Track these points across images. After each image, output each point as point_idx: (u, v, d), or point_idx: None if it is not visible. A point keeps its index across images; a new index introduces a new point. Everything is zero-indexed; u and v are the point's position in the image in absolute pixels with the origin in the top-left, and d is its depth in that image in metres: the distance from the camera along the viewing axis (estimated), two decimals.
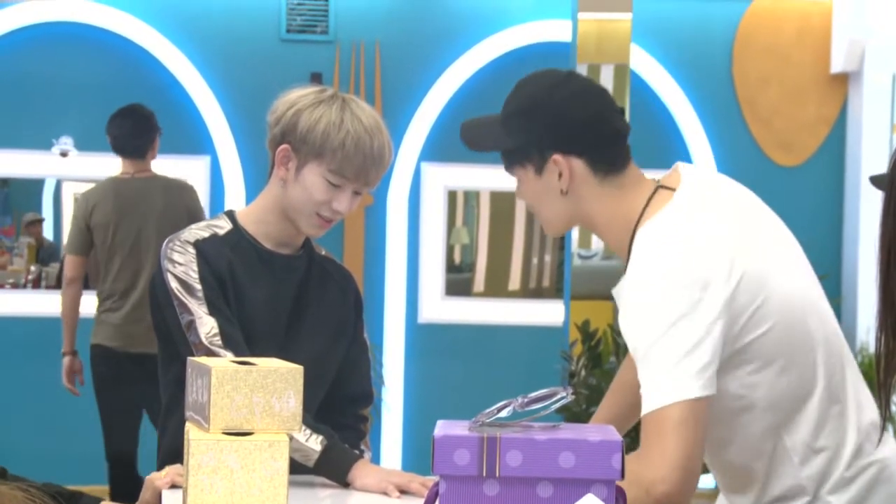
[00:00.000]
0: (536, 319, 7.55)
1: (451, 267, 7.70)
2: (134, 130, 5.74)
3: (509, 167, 2.46)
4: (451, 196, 7.65)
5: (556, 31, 7.42)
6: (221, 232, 2.74)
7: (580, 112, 2.37)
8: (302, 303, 2.78)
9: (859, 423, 2.34)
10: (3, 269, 7.52)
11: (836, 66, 7.65)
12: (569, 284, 6.71)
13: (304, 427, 2.58)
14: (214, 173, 7.38)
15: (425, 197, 7.58)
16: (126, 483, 5.65)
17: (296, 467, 2.38)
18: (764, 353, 2.26)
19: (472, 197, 7.71)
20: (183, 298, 2.63)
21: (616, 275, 2.46)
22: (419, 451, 7.27)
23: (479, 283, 7.77)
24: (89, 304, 5.78)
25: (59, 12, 7.28)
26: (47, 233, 7.66)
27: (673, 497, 2.09)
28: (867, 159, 7.48)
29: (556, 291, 7.52)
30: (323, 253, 2.89)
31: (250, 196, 7.12)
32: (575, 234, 6.62)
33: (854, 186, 7.65)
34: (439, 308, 7.62)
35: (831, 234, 7.71)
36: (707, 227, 2.28)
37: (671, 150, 7.63)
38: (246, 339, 2.64)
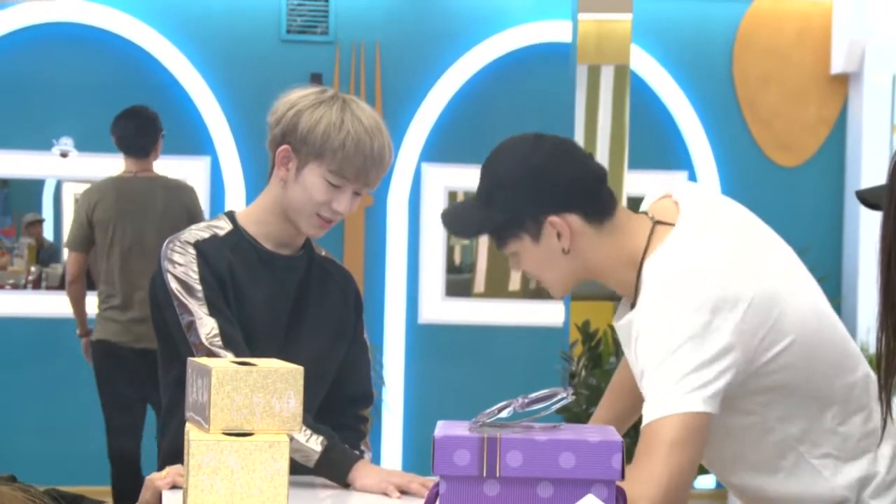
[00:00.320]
0: (537, 320, 7.55)
1: (451, 267, 7.71)
2: (138, 131, 5.80)
3: (503, 243, 2.40)
4: (452, 196, 7.65)
5: (556, 31, 7.43)
6: (221, 232, 2.74)
7: (562, 168, 2.34)
8: (302, 303, 2.78)
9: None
10: (3, 270, 7.52)
11: (837, 66, 7.66)
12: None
13: (304, 427, 2.58)
14: (215, 174, 7.38)
15: (426, 197, 7.59)
16: (128, 483, 5.66)
17: (296, 468, 2.38)
18: (784, 368, 2.26)
19: (472, 197, 7.70)
20: (183, 299, 2.63)
21: None
22: (419, 451, 7.27)
23: (480, 283, 7.77)
24: (91, 302, 5.87)
25: (60, 13, 7.28)
26: (47, 233, 7.66)
27: None
28: (867, 160, 7.48)
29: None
30: (323, 253, 2.89)
31: (250, 197, 7.12)
32: None
33: (854, 187, 7.65)
34: (439, 308, 7.62)
35: (831, 235, 7.71)
36: (713, 251, 2.27)
37: (671, 150, 7.63)
38: (246, 339, 2.64)
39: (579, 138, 6.52)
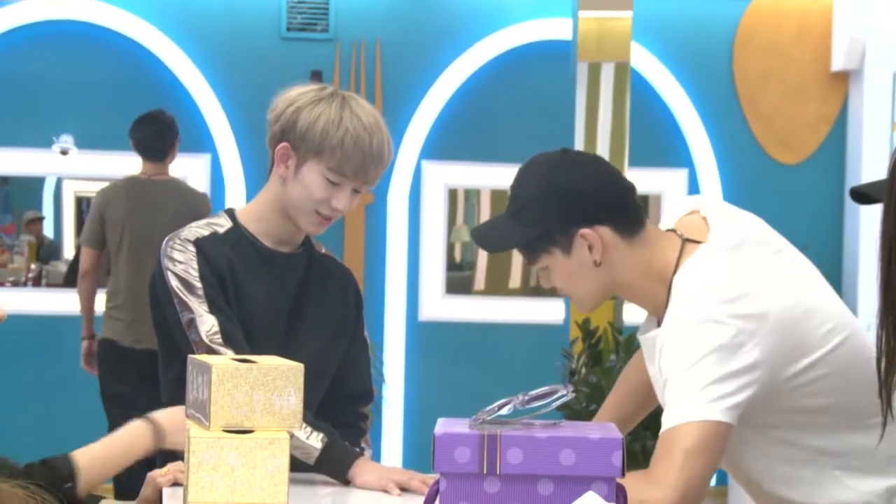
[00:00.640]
0: (537, 317, 7.55)
1: (451, 265, 7.71)
2: (155, 135, 5.94)
3: (534, 257, 2.41)
4: (452, 194, 7.65)
5: (556, 29, 7.42)
6: (221, 230, 2.74)
7: (591, 181, 2.36)
8: (302, 301, 2.77)
9: None
10: (3, 268, 7.53)
11: (837, 64, 7.65)
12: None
13: (304, 425, 2.58)
14: (215, 171, 7.38)
15: (426, 195, 7.58)
16: (129, 479, 5.70)
17: (296, 465, 2.38)
18: (815, 382, 2.26)
19: (472, 195, 7.71)
20: (183, 296, 2.63)
21: None
22: (420, 448, 7.27)
23: (480, 281, 7.77)
24: (100, 300, 5.96)
25: (60, 10, 7.28)
26: (48, 231, 7.66)
27: None
28: (868, 157, 7.48)
29: (555, 290, 7.51)
30: (323, 251, 2.89)
31: (251, 194, 7.12)
32: None
33: (854, 184, 7.64)
34: (440, 306, 7.62)
35: (832, 232, 7.71)
36: (741, 267, 2.28)
37: (672, 148, 7.63)
38: (246, 337, 2.64)
39: (579, 136, 6.52)
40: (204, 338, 2.59)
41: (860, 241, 7.51)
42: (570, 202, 2.34)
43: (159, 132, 5.94)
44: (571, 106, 6.68)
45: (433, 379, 7.50)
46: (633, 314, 6.56)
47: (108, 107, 7.32)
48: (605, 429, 1.84)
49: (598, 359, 6.19)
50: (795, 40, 7.73)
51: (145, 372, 5.38)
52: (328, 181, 2.67)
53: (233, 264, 2.69)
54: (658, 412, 2.24)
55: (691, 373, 2.16)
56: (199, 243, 2.69)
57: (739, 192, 7.46)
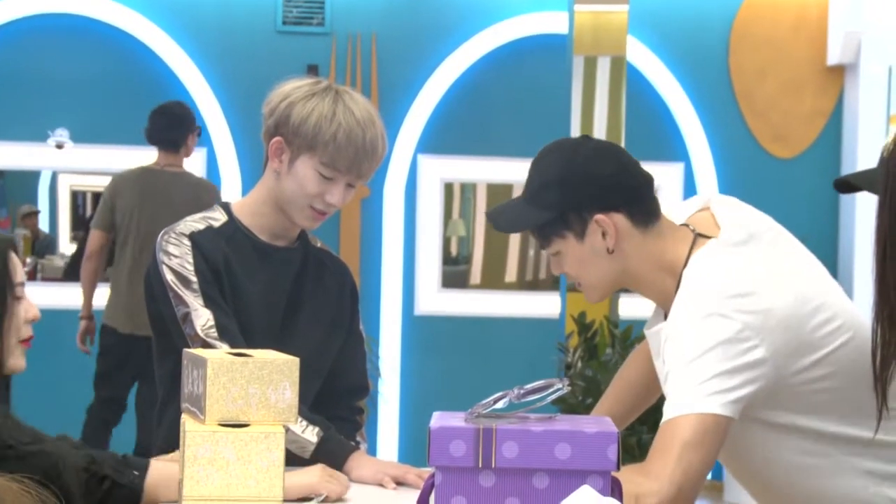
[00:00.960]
0: (533, 311, 7.56)
1: (447, 259, 7.71)
2: (166, 126, 6.03)
3: (546, 241, 2.40)
4: (448, 188, 7.65)
5: (552, 22, 7.42)
6: (217, 224, 2.73)
7: (609, 167, 2.36)
8: (298, 295, 2.77)
9: None
10: None
11: (833, 58, 7.66)
12: (564, 277, 6.70)
13: (300, 418, 2.57)
14: (211, 165, 7.38)
15: (422, 189, 7.58)
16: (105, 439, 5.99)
17: (292, 459, 2.38)
18: (823, 378, 2.25)
19: (468, 189, 7.71)
20: (178, 290, 2.63)
21: None
22: (415, 442, 7.28)
23: (476, 275, 7.78)
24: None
25: (55, 4, 7.27)
26: (43, 225, 7.66)
27: None
28: (863, 151, 7.48)
29: (552, 283, 7.53)
30: (318, 245, 2.89)
31: (247, 188, 7.12)
32: None
33: None
34: (435, 300, 7.62)
35: (827, 226, 7.72)
36: (750, 263, 2.28)
37: (667, 142, 7.63)
38: (242, 331, 2.64)
39: (575, 130, 6.52)
40: (199, 332, 2.59)
41: (855, 234, 7.51)
42: (587, 187, 2.34)
43: (172, 124, 6.03)
44: (567, 100, 6.68)
45: (429, 373, 7.50)
46: (629, 308, 6.58)
47: (104, 101, 7.32)
48: (600, 422, 1.84)
49: (594, 353, 6.19)
50: (791, 34, 7.73)
51: (143, 359, 5.50)
52: (322, 176, 2.66)
53: (228, 258, 2.69)
54: (655, 408, 2.24)
55: (694, 366, 2.16)
56: (194, 237, 2.68)
57: (735, 186, 7.47)
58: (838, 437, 2.30)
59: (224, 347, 2.54)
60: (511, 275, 7.76)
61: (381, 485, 2.55)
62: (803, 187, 7.73)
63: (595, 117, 6.59)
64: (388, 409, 7.47)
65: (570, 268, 2.41)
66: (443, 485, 1.79)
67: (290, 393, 1.87)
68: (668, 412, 2.16)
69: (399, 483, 2.55)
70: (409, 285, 7.58)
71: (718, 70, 7.72)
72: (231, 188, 7.30)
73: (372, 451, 6.99)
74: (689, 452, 2.11)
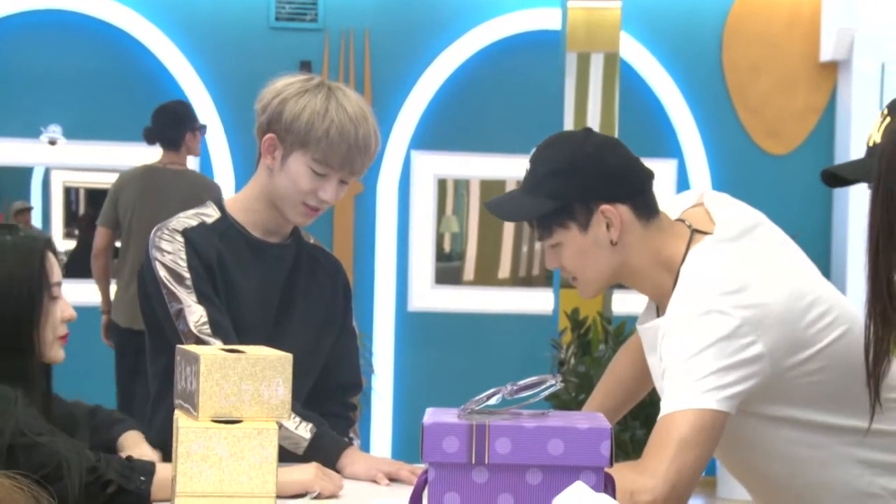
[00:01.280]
0: (526, 308, 7.56)
1: (440, 255, 7.70)
2: (164, 124, 6.10)
3: (548, 232, 2.38)
4: (441, 184, 7.65)
5: (545, 19, 7.42)
6: (209, 220, 2.73)
7: (615, 159, 2.36)
8: (291, 291, 2.77)
9: None
10: None
11: (826, 54, 7.66)
12: (558, 273, 6.70)
13: (293, 415, 2.58)
14: (204, 162, 7.37)
15: (415, 185, 7.58)
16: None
17: (285, 455, 2.38)
18: (817, 372, 2.26)
19: (461, 185, 7.71)
20: (171, 287, 2.63)
21: None
22: (409, 438, 7.28)
23: (469, 271, 7.78)
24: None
25: (47, 0, 7.26)
26: (36, 221, 7.64)
27: None
28: (856, 147, 7.49)
29: (545, 280, 7.53)
30: (311, 241, 2.88)
31: (240, 185, 7.11)
32: None
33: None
34: (429, 296, 7.62)
35: (820, 223, 7.72)
36: (747, 259, 2.29)
37: (661, 138, 7.63)
38: (235, 327, 2.64)
39: (569, 126, 6.51)
40: (192, 328, 2.59)
41: (848, 231, 7.52)
42: (594, 176, 2.34)
43: (170, 122, 6.09)
44: (560, 96, 6.68)
45: (422, 369, 7.50)
46: (622, 305, 6.58)
47: (97, 97, 7.31)
48: (593, 418, 1.84)
49: (587, 349, 6.19)
50: (784, 31, 7.73)
51: (139, 354, 5.55)
52: (314, 172, 2.66)
53: (221, 254, 2.69)
54: (648, 403, 2.23)
55: (692, 363, 2.16)
56: (187, 233, 2.68)
57: (728, 182, 7.47)
58: (833, 427, 2.30)
59: (217, 344, 2.54)
60: (504, 271, 7.76)
61: (374, 481, 2.55)
62: (796, 183, 7.73)
63: (588, 114, 6.59)
64: (382, 405, 7.47)
65: (569, 260, 2.40)
66: (436, 481, 1.79)
67: (283, 389, 1.87)
68: (666, 408, 2.16)
69: (392, 479, 2.55)
70: (403, 281, 7.58)
71: (711, 66, 7.72)
72: (224, 185, 7.28)
73: (365, 447, 6.99)
74: (684, 450, 2.11)
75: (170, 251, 2.66)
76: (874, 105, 7.48)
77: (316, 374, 2.81)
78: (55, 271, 2.48)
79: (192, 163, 7.30)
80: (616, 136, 6.52)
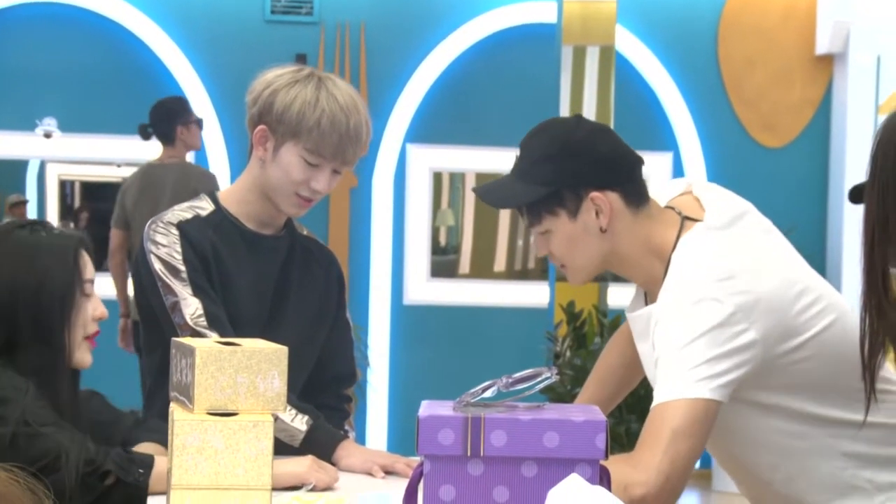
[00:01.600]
0: (522, 301, 7.56)
1: (436, 248, 7.70)
2: (157, 118, 6.15)
3: (537, 219, 2.37)
4: (437, 178, 7.64)
5: (541, 12, 7.42)
6: (204, 213, 2.73)
7: (605, 146, 2.35)
8: (285, 283, 2.77)
9: None
10: None
11: (821, 47, 7.66)
12: (554, 266, 6.70)
13: (289, 407, 2.58)
14: (199, 155, 7.37)
15: (410, 178, 7.58)
16: None
17: (281, 448, 2.38)
18: (807, 360, 2.26)
19: (457, 178, 7.71)
20: (167, 280, 2.63)
21: None
22: (404, 431, 7.28)
23: (465, 264, 7.78)
24: None
25: None
26: (31, 214, 7.64)
27: (648, 503, 2.08)
28: (852, 140, 7.49)
29: (541, 273, 7.53)
30: (304, 233, 2.88)
31: (236, 177, 7.10)
32: None
33: (839, 167, 7.66)
34: (424, 290, 7.62)
35: (816, 215, 7.73)
36: (738, 246, 2.28)
37: (656, 131, 7.64)
38: (230, 320, 2.64)
39: None
40: (188, 321, 2.59)
41: (844, 224, 7.53)
42: (584, 163, 2.33)
43: (162, 117, 6.13)
44: (556, 89, 6.68)
45: (418, 362, 7.50)
46: (617, 297, 6.58)
47: (92, 90, 7.30)
48: (588, 411, 1.84)
49: (583, 342, 6.20)
50: (780, 24, 7.73)
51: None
52: (306, 163, 2.66)
53: (216, 247, 2.69)
54: (644, 396, 2.23)
55: (685, 352, 2.15)
56: (181, 226, 2.68)
57: (724, 175, 7.47)
58: (820, 418, 2.30)
59: (213, 336, 2.54)
60: (500, 264, 7.76)
61: (369, 474, 2.55)
62: (792, 176, 7.74)
63: (584, 107, 6.59)
64: (377, 398, 7.47)
65: (558, 247, 2.38)
66: (431, 473, 1.79)
67: (278, 382, 1.87)
68: (658, 397, 2.15)
69: (388, 472, 2.55)
70: (398, 275, 7.58)
71: (707, 59, 7.72)
72: (221, 178, 7.28)
73: (361, 439, 7.00)
74: (677, 441, 2.10)
75: (165, 244, 2.65)
76: (870, 98, 7.49)
77: (311, 367, 2.81)
78: (88, 268, 2.51)
79: (189, 156, 7.31)
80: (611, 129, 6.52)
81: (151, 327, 2.72)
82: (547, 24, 7.20)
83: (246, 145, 2.80)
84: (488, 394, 1.85)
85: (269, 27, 7.45)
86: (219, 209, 2.75)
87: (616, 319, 6.12)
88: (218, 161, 7.34)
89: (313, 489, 2.34)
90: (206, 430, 1.82)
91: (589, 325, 6.25)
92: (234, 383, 1.85)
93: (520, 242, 7.74)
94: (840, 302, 2.33)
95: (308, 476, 2.37)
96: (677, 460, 2.10)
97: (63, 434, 2.30)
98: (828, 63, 7.75)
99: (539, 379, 1.88)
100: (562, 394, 5.76)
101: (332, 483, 2.41)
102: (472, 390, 1.84)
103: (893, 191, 1.78)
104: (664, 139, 7.66)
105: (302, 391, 2.76)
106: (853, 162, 7.44)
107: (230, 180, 7.21)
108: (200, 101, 7.32)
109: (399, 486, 2.14)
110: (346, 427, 2.85)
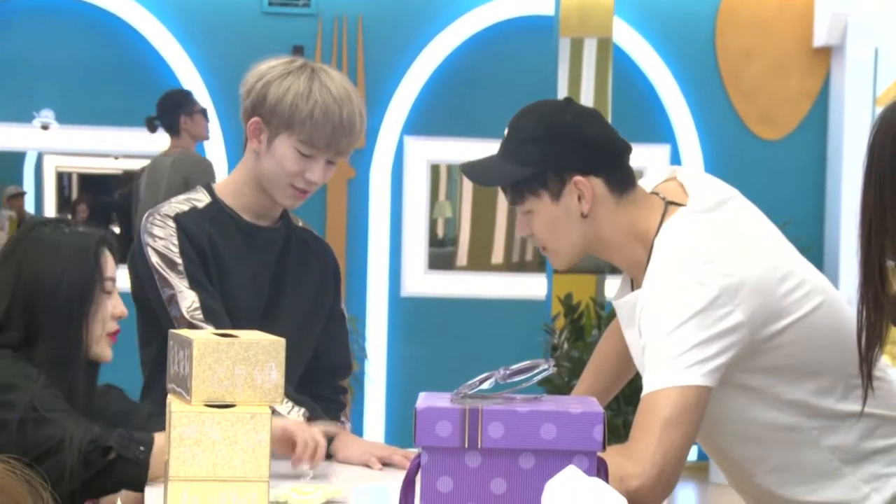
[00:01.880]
0: (519, 293, 7.56)
1: (433, 240, 7.70)
2: (163, 109, 6.25)
3: (520, 198, 2.36)
4: (434, 170, 7.64)
5: (539, 4, 7.41)
6: (200, 205, 2.73)
7: (592, 131, 2.34)
8: (281, 275, 2.77)
9: None
10: None
11: (819, 39, 7.66)
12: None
13: (286, 399, 2.58)
14: (197, 147, 7.36)
15: (408, 170, 7.58)
16: None
17: None
18: (792, 343, 2.26)
19: (454, 171, 7.71)
20: (163, 272, 2.63)
21: None
22: (402, 423, 7.28)
23: (462, 256, 7.78)
24: None
25: None
26: (29, 206, 7.64)
27: (644, 494, 2.08)
28: (849, 133, 7.49)
29: (538, 265, 7.53)
30: (300, 224, 2.88)
31: (233, 169, 7.10)
32: None
33: (836, 160, 7.67)
34: (422, 282, 7.62)
35: (813, 208, 7.73)
36: (721, 231, 2.28)
37: (654, 123, 7.63)
38: (227, 311, 2.64)
39: None
40: (185, 314, 2.59)
41: (841, 216, 7.53)
42: (570, 146, 2.32)
43: (166, 108, 6.23)
44: (554, 81, 6.68)
45: (415, 354, 7.50)
46: (615, 289, 6.58)
47: (89, 82, 7.29)
48: (586, 403, 1.84)
49: (580, 334, 6.20)
50: (777, 16, 7.73)
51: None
52: (300, 154, 2.66)
53: (213, 239, 2.69)
54: (641, 387, 2.23)
55: (672, 338, 2.15)
56: (178, 219, 2.68)
57: (721, 167, 7.47)
58: (804, 405, 2.30)
59: (210, 329, 2.54)
60: (498, 256, 7.76)
61: (367, 465, 2.55)
62: (790, 169, 7.74)
63: (581, 99, 6.59)
64: (375, 390, 7.47)
65: (539, 228, 2.38)
66: (429, 465, 1.79)
67: (276, 374, 1.87)
68: (648, 386, 2.15)
69: (385, 464, 2.56)
70: (396, 267, 7.58)
71: (705, 52, 7.72)
72: (218, 170, 7.27)
73: (358, 431, 7.00)
74: (669, 430, 2.10)
75: (161, 237, 2.65)
76: (867, 90, 7.49)
77: (307, 358, 2.82)
78: (109, 266, 2.55)
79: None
80: (609, 121, 6.52)
81: (148, 320, 2.72)
82: (544, 17, 7.20)
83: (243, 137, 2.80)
84: (486, 385, 1.85)
85: (267, 19, 7.44)
86: (215, 201, 2.75)
87: (614, 312, 6.12)
88: (216, 153, 7.34)
89: (314, 479, 2.35)
90: (203, 422, 1.82)
91: (586, 317, 6.25)
92: (232, 375, 1.85)
93: (517, 234, 7.74)
94: (825, 286, 2.33)
95: (295, 430, 2.39)
96: (671, 450, 2.10)
97: (70, 420, 2.33)
98: (825, 55, 7.74)
99: (536, 371, 1.88)
100: (559, 386, 5.77)
101: (321, 444, 2.42)
102: (470, 382, 1.84)
103: (890, 183, 1.78)
104: (662, 131, 7.66)
105: (298, 383, 2.76)
106: (851, 154, 7.44)
107: (228, 172, 7.20)
108: (198, 93, 7.30)
109: (396, 477, 2.14)
110: (343, 419, 2.85)
